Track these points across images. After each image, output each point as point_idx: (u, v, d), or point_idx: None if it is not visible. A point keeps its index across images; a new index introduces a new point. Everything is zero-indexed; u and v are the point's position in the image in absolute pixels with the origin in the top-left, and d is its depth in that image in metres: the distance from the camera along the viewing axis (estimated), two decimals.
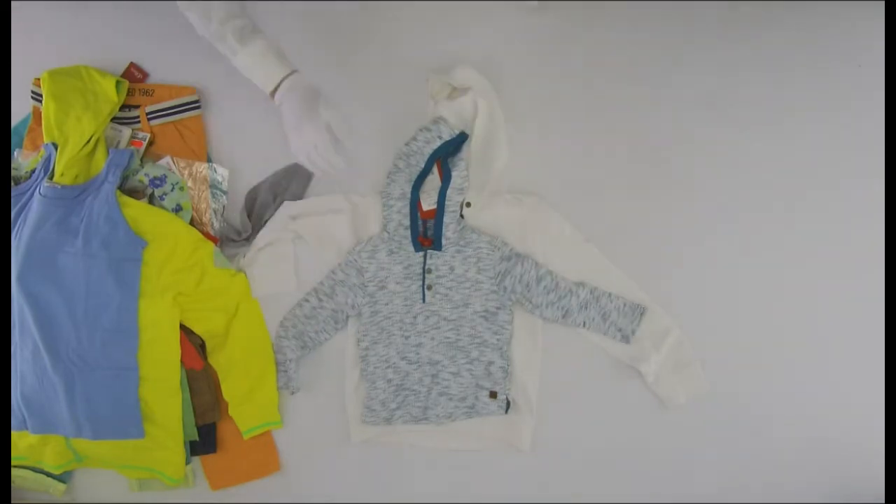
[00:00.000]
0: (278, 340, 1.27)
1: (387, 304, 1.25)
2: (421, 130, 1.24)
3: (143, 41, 1.37)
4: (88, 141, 1.23)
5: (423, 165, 1.23)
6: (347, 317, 1.27)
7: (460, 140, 1.24)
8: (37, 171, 1.25)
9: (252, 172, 1.33)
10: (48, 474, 1.30)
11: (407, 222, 1.24)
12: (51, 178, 1.22)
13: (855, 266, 1.25)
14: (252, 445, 1.28)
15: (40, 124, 1.28)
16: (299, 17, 1.36)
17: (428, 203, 1.25)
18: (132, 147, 1.30)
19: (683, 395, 1.23)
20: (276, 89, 1.09)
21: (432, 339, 1.25)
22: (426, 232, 1.26)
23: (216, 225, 1.30)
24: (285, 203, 1.29)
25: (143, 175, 1.25)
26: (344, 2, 1.35)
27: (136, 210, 1.22)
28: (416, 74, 1.30)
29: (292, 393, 1.25)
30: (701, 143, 1.29)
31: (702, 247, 1.27)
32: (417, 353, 1.25)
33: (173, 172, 1.28)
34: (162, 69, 1.36)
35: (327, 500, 1.30)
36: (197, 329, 1.25)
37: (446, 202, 1.23)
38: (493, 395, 1.24)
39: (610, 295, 1.23)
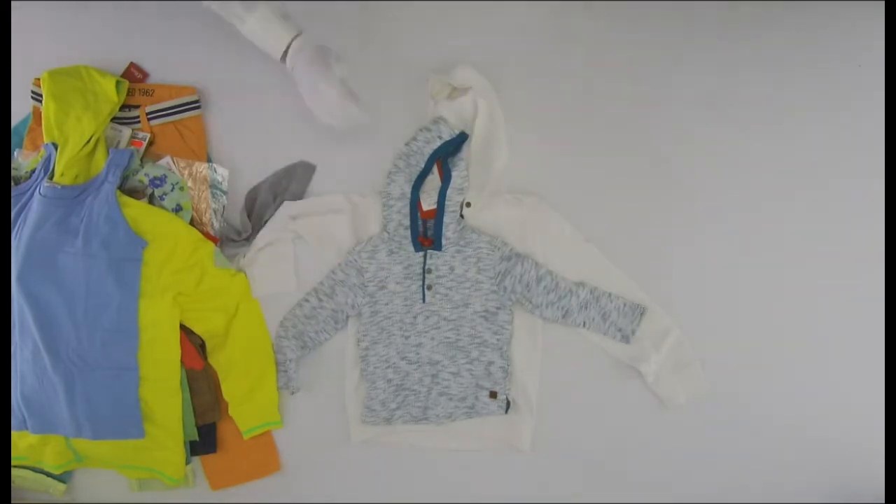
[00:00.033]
0: (278, 340, 1.27)
1: (387, 304, 1.26)
2: (421, 130, 1.24)
3: (143, 41, 1.37)
4: (88, 141, 1.23)
5: (423, 165, 1.23)
6: (347, 317, 1.27)
7: (460, 140, 1.24)
8: (37, 171, 1.25)
9: (252, 172, 1.33)
10: (48, 474, 1.30)
11: (407, 222, 1.24)
12: (51, 178, 1.22)
13: (855, 266, 1.25)
14: (252, 445, 1.28)
15: (40, 124, 1.28)
16: (299, 17, 1.36)
17: (428, 203, 1.25)
18: (132, 147, 1.30)
19: (683, 395, 1.23)
20: (285, 54, 1.09)
21: (432, 339, 1.25)
22: (426, 232, 1.26)
23: (216, 225, 1.30)
24: (285, 203, 1.29)
25: (143, 175, 1.25)
26: (344, 2, 1.35)
27: (136, 210, 1.22)
28: (416, 74, 1.30)
29: (292, 393, 1.25)
30: (701, 143, 1.29)
31: (702, 247, 1.27)
32: (417, 353, 1.25)
33: (173, 172, 1.28)
34: (162, 69, 1.36)
35: (327, 500, 1.30)
36: (197, 329, 1.25)
37: (446, 202, 1.23)
38: (493, 395, 1.24)
39: (610, 295, 1.23)
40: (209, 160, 1.32)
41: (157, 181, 1.26)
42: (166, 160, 1.29)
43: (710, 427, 1.25)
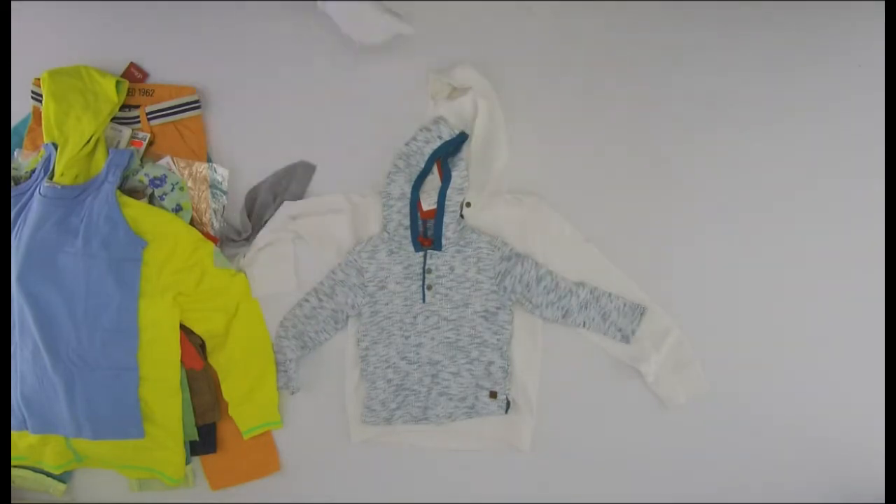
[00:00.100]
0: (278, 340, 1.27)
1: (387, 304, 1.26)
2: (421, 130, 1.24)
3: (143, 41, 1.37)
4: (88, 141, 1.23)
5: (423, 165, 1.23)
6: (347, 317, 1.27)
7: (460, 140, 1.24)
8: (37, 171, 1.25)
9: (252, 172, 1.33)
10: (48, 474, 1.30)
11: (407, 222, 1.24)
12: (51, 178, 1.22)
13: (855, 266, 1.25)
14: (252, 445, 1.28)
15: (40, 124, 1.28)
16: (300, 17, 1.36)
17: (428, 203, 1.25)
18: (132, 147, 1.30)
19: (683, 395, 1.23)
20: None
21: (432, 339, 1.25)
22: (426, 232, 1.26)
23: (216, 225, 1.30)
24: (285, 203, 1.29)
25: (143, 175, 1.25)
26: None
27: (136, 210, 1.22)
28: (416, 74, 1.30)
29: (292, 393, 1.25)
30: (701, 143, 1.29)
31: (702, 247, 1.27)
32: (417, 353, 1.25)
33: (173, 172, 1.28)
34: (162, 69, 1.36)
35: (327, 500, 1.31)
36: (197, 329, 1.25)
37: (446, 202, 1.23)
38: (493, 395, 1.24)
39: (610, 295, 1.23)
40: (209, 160, 1.32)
41: (157, 181, 1.26)
42: (166, 160, 1.29)
43: (710, 427, 1.25)
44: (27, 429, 1.21)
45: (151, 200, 1.26)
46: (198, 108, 1.32)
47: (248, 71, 1.36)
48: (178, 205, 1.26)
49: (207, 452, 1.28)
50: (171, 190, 1.26)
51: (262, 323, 1.28)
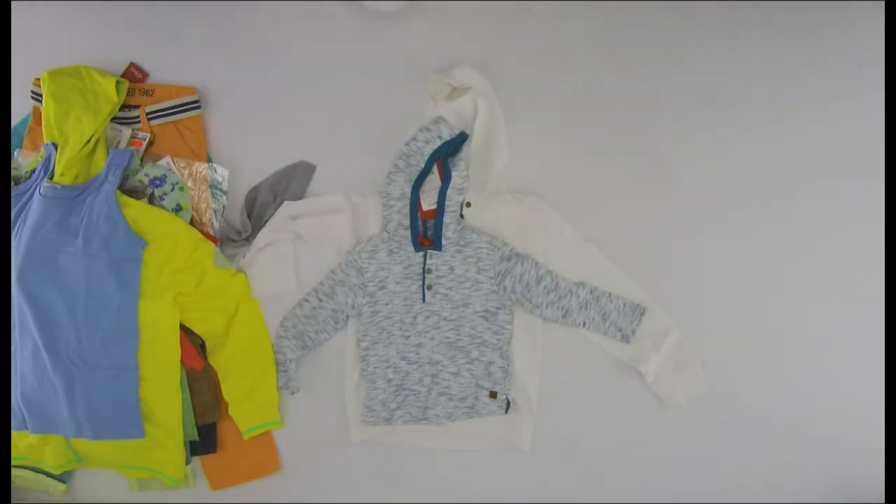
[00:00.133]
0: (278, 340, 1.27)
1: (387, 304, 1.26)
2: (421, 130, 1.24)
3: (143, 41, 1.37)
4: (88, 141, 1.23)
5: (423, 165, 1.23)
6: (347, 317, 1.27)
7: (460, 140, 1.24)
8: (37, 171, 1.25)
9: (252, 172, 1.33)
10: (48, 474, 1.30)
11: (407, 222, 1.24)
12: (51, 178, 1.22)
13: (855, 266, 1.25)
14: (252, 445, 1.28)
15: (40, 124, 1.28)
16: (300, 17, 1.36)
17: (428, 203, 1.25)
18: (132, 147, 1.30)
19: (683, 395, 1.23)
20: None
21: (432, 339, 1.25)
22: (426, 232, 1.26)
23: (216, 225, 1.30)
24: (285, 203, 1.29)
25: (143, 175, 1.25)
26: (345, 1, 1.35)
27: (136, 210, 1.22)
28: (416, 74, 1.30)
29: (292, 393, 1.25)
30: (701, 143, 1.29)
31: (702, 247, 1.27)
32: (417, 353, 1.25)
33: (173, 172, 1.28)
34: (162, 69, 1.36)
35: (327, 500, 1.30)
36: (197, 329, 1.25)
37: (446, 202, 1.23)
38: (493, 395, 1.24)
39: (610, 295, 1.23)
40: (209, 160, 1.32)
41: (157, 181, 1.26)
42: (166, 160, 1.29)
43: (710, 427, 1.25)
44: (27, 429, 1.21)
45: (151, 200, 1.26)
46: (198, 108, 1.32)
47: (248, 71, 1.36)
48: (178, 205, 1.26)
49: (207, 452, 1.28)
50: (171, 190, 1.26)
51: (262, 323, 1.28)
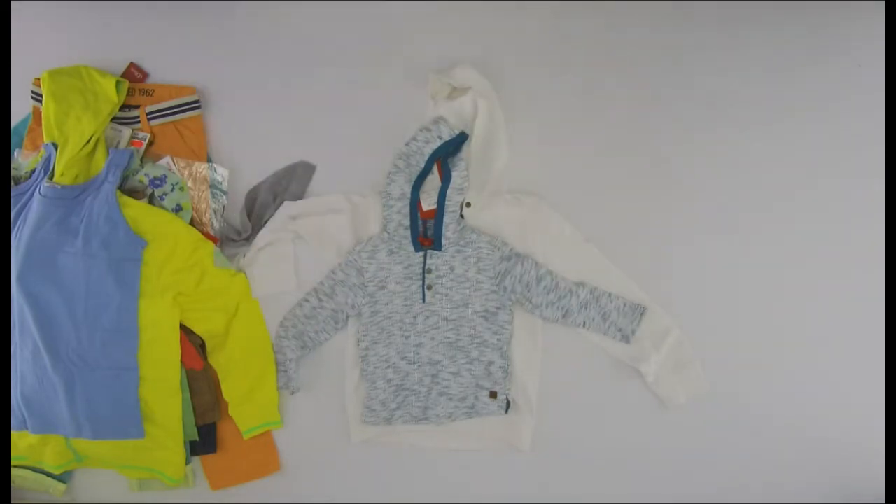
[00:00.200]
0: (278, 340, 1.27)
1: (387, 304, 1.25)
2: (421, 130, 1.24)
3: (143, 41, 1.37)
4: (88, 141, 1.23)
5: (423, 165, 1.23)
6: (347, 317, 1.27)
7: (460, 140, 1.24)
8: (37, 171, 1.25)
9: (252, 172, 1.33)
10: (48, 474, 1.30)
11: (407, 222, 1.24)
12: (51, 178, 1.22)
13: (855, 266, 1.25)
14: (252, 445, 1.28)
15: (40, 124, 1.28)
16: (300, 17, 1.36)
17: (428, 203, 1.25)
18: (132, 147, 1.30)
19: (683, 395, 1.23)
20: None
21: (432, 339, 1.25)
22: (426, 232, 1.26)
23: (216, 225, 1.30)
24: (285, 203, 1.29)
25: (143, 175, 1.25)
26: (345, 1, 1.35)
27: (136, 210, 1.22)
28: (416, 74, 1.30)
29: (292, 393, 1.25)
30: (701, 143, 1.29)
31: (702, 247, 1.27)
32: (417, 353, 1.25)
33: (173, 172, 1.28)
34: (162, 69, 1.36)
35: (327, 500, 1.30)
36: (197, 329, 1.25)
37: (446, 202, 1.23)
38: (493, 395, 1.24)
39: (610, 295, 1.23)
40: (209, 160, 1.32)
41: (157, 181, 1.26)
42: (166, 160, 1.29)
43: (710, 427, 1.25)
44: (27, 429, 1.21)
45: (151, 200, 1.26)
46: (198, 108, 1.32)
47: (248, 71, 1.36)
48: (178, 205, 1.26)
49: (207, 452, 1.28)
50: (171, 190, 1.26)
51: (262, 323, 1.28)
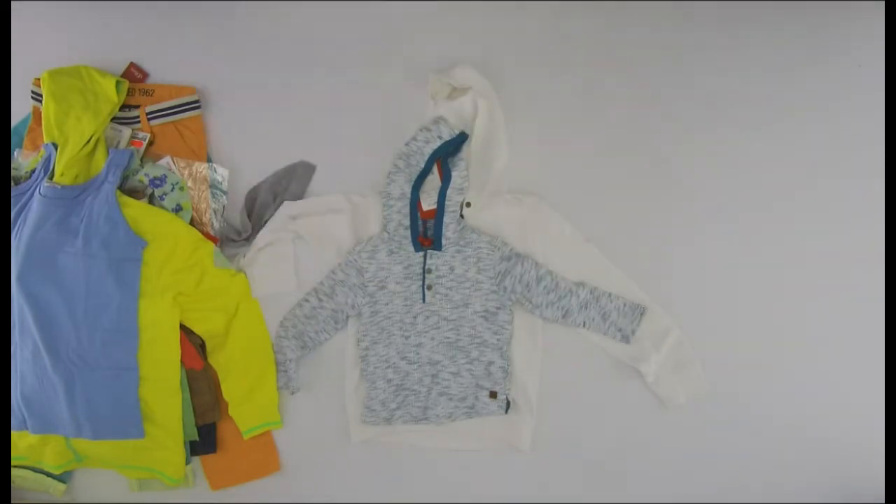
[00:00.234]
0: (278, 340, 1.27)
1: (387, 304, 1.25)
2: (421, 130, 1.24)
3: (143, 41, 1.37)
4: (88, 141, 1.23)
5: (423, 165, 1.23)
6: (347, 317, 1.27)
7: (460, 140, 1.24)
8: (37, 171, 1.25)
9: (252, 172, 1.33)
10: (48, 474, 1.30)
11: (407, 222, 1.24)
12: (51, 178, 1.22)
13: (855, 266, 1.25)
14: (252, 445, 1.28)
15: (40, 124, 1.28)
16: (300, 17, 1.36)
17: (428, 203, 1.25)
18: (132, 147, 1.30)
19: (683, 395, 1.23)
20: None
21: (432, 339, 1.25)
22: (426, 232, 1.26)
23: (216, 225, 1.30)
24: (285, 203, 1.29)
25: (143, 175, 1.25)
26: (345, 1, 1.35)
27: (136, 210, 1.22)
28: (416, 74, 1.30)
29: (292, 393, 1.25)
30: (701, 143, 1.29)
31: (702, 247, 1.27)
32: (417, 353, 1.25)
33: (173, 172, 1.28)
34: (162, 69, 1.36)
35: (327, 500, 1.30)
36: (197, 329, 1.25)
37: (446, 202, 1.23)
38: (493, 395, 1.24)
39: (610, 295, 1.23)
40: (209, 160, 1.32)
41: (157, 181, 1.26)
42: (166, 160, 1.29)
43: (710, 427, 1.25)
44: (27, 429, 1.21)
45: (151, 200, 1.26)
46: (198, 108, 1.32)
47: (248, 71, 1.36)
48: (178, 205, 1.26)
49: (207, 452, 1.28)
50: (171, 190, 1.26)
51: (262, 323, 1.28)
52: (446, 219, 1.23)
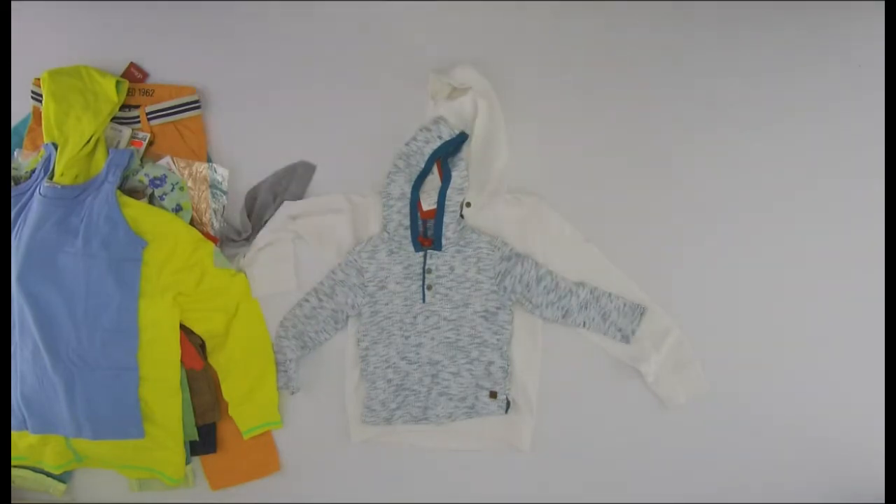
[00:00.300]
0: (278, 340, 1.27)
1: (387, 304, 1.25)
2: (421, 130, 1.24)
3: (143, 41, 1.37)
4: (88, 141, 1.23)
5: (423, 165, 1.23)
6: (347, 317, 1.27)
7: (460, 140, 1.24)
8: (37, 171, 1.25)
9: (252, 172, 1.33)
10: (48, 474, 1.30)
11: (407, 222, 1.24)
12: (51, 178, 1.22)
13: (855, 266, 1.25)
14: (252, 445, 1.28)
15: (40, 124, 1.28)
16: (300, 17, 1.36)
17: (428, 203, 1.25)
18: (132, 147, 1.30)
19: (683, 395, 1.23)
20: None
21: (432, 339, 1.25)
22: (426, 232, 1.26)
23: (216, 225, 1.30)
24: (285, 203, 1.29)
25: (143, 175, 1.25)
26: (345, 1, 1.35)
27: (136, 210, 1.22)
28: (416, 74, 1.30)
29: (292, 393, 1.25)
30: (701, 143, 1.29)
31: (702, 247, 1.27)
32: (417, 353, 1.25)
33: (173, 172, 1.28)
34: (162, 69, 1.36)
35: (327, 500, 1.30)
36: (197, 329, 1.25)
37: (446, 202, 1.23)
38: (493, 395, 1.24)
39: (610, 295, 1.23)
40: (209, 160, 1.32)
41: (157, 181, 1.26)
42: (166, 160, 1.29)
43: (710, 427, 1.25)
44: (27, 429, 1.21)
45: (151, 200, 1.26)
46: (198, 108, 1.33)
47: (248, 71, 1.36)
48: (178, 205, 1.26)
49: (207, 452, 1.28)
50: (171, 190, 1.26)
51: (262, 323, 1.28)
52: (446, 219, 1.23)
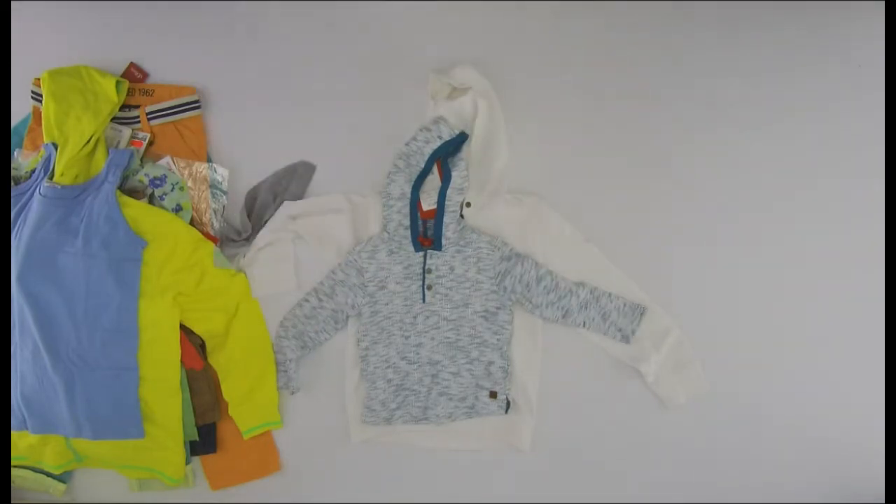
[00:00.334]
0: (278, 340, 1.27)
1: (387, 304, 1.25)
2: (421, 130, 1.24)
3: (143, 41, 1.37)
4: (88, 141, 1.23)
5: (423, 165, 1.23)
6: (347, 317, 1.27)
7: (460, 140, 1.24)
8: (37, 171, 1.25)
9: (252, 172, 1.33)
10: (48, 474, 1.30)
11: (407, 222, 1.24)
12: (51, 178, 1.22)
13: (855, 266, 1.25)
14: (252, 445, 1.28)
15: (40, 124, 1.28)
16: (300, 17, 1.36)
17: (428, 203, 1.25)
18: (132, 147, 1.30)
19: (683, 395, 1.23)
20: None
21: (432, 339, 1.25)
22: (426, 232, 1.26)
23: (216, 225, 1.30)
24: (285, 203, 1.29)
25: (143, 175, 1.25)
26: (345, 1, 1.35)
27: (136, 210, 1.22)
28: (416, 74, 1.30)
29: (292, 393, 1.25)
30: (701, 143, 1.29)
31: (702, 247, 1.27)
32: (417, 353, 1.25)
33: (173, 172, 1.28)
34: (162, 69, 1.36)
35: (327, 500, 1.30)
36: (197, 329, 1.25)
37: (446, 202, 1.23)
38: (493, 395, 1.24)
39: (610, 295, 1.23)
40: (209, 160, 1.32)
41: (157, 181, 1.26)
42: (166, 160, 1.29)
43: (710, 427, 1.25)
44: (27, 429, 1.21)
45: (151, 200, 1.26)
46: (198, 108, 1.33)
47: (248, 71, 1.36)
48: (178, 205, 1.26)
49: (207, 452, 1.28)
50: (171, 190, 1.26)
51: (262, 323, 1.28)
52: (446, 219, 1.23)
